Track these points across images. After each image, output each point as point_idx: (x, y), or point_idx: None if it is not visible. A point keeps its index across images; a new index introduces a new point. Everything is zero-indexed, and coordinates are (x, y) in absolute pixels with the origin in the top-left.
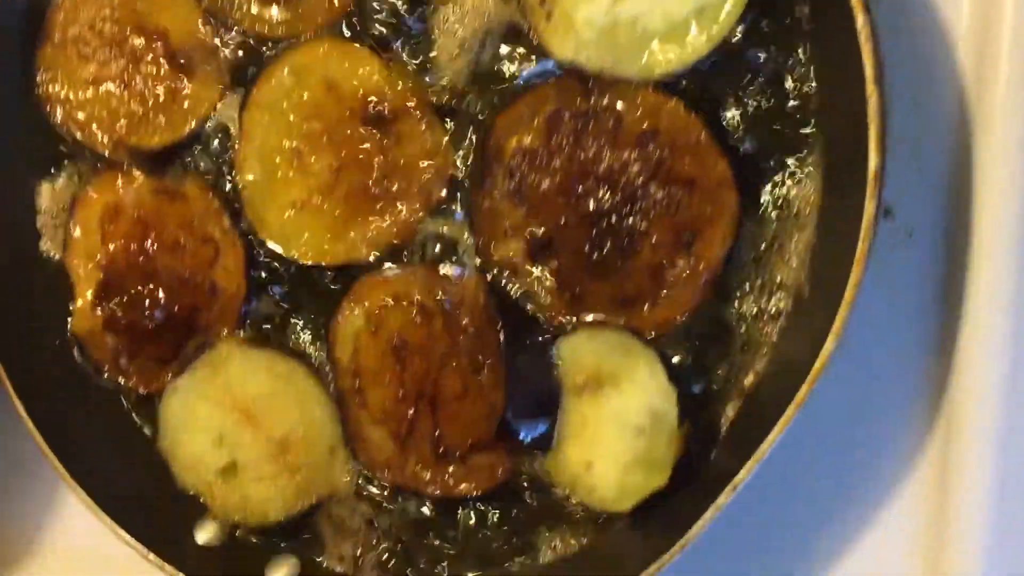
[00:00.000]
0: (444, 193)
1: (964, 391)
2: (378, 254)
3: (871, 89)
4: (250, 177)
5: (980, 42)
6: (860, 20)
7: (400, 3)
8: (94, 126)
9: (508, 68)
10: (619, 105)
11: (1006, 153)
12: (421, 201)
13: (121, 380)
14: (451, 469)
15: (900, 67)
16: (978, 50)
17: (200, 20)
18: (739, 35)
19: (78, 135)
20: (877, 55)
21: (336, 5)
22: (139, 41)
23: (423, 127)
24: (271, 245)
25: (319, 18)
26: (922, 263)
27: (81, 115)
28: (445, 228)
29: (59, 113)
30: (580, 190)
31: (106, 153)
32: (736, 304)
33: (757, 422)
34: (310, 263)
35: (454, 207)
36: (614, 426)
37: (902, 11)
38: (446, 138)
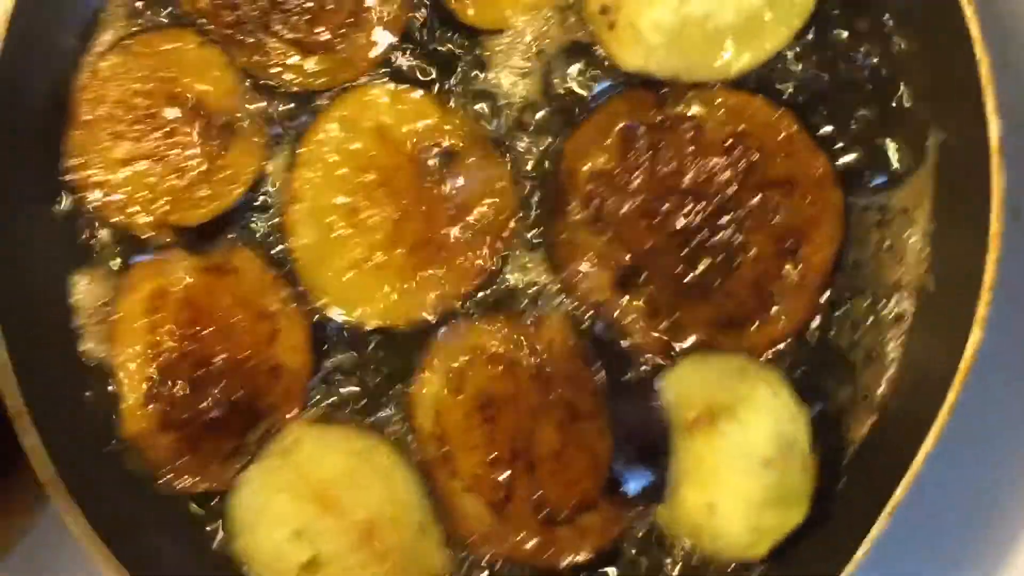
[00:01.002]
0: (515, 232)
1: None
2: (450, 309)
3: (979, 53)
4: (304, 241)
5: None
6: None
7: (447, 36)
8: (133, 208)
9: (574, 89)
10: (697, 111)
11: None
12: (491, 244)
13: (180, 483)
14: (557, 534)
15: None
16: None
17: (235, 80)
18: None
19: (116, 219)
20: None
21: (379, 46)
22: (173, 111)
23: (486, 164)
24: (333, 312)
25: (363, 63)
26: None
27: (118, 198)
28: (520, 269)
29: (93, 199)
30: (665, 208)
31: (148, 235)
32: (851, 312)
33: (900, 437)
34: (378, 326)
35: (529, 248)
36: (738, 461)
37: None
38: (510, 173)
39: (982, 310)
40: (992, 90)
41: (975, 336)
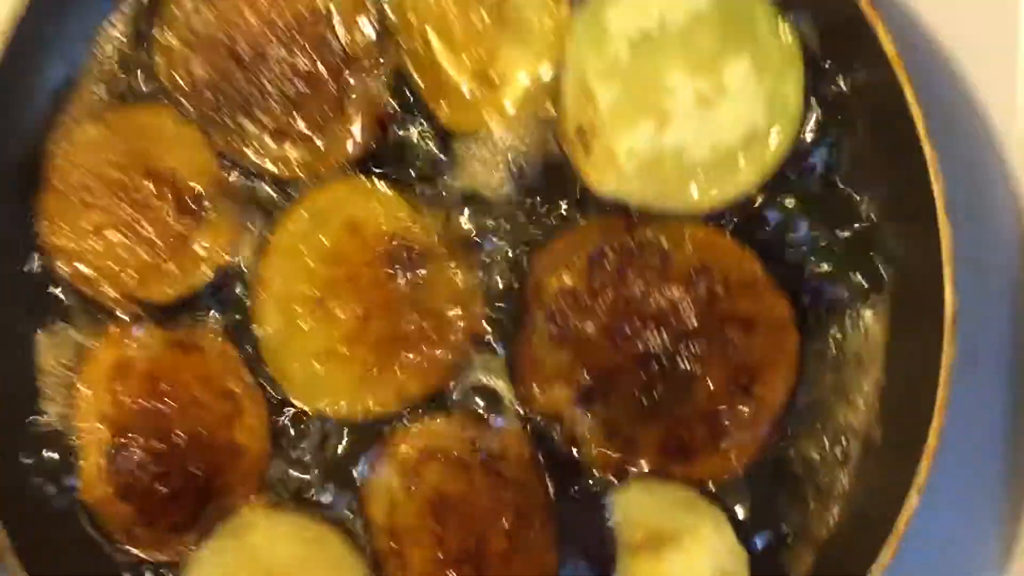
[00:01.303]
0: (480, 337)
1: None
2: (411, 406)
3: (943, 220)
4: (270, 329)
5: None
6: (927, 152)
7: (424, 138)
8: (101, 280)
9: (544, 203)
10: (665, 241)
11: None
12: (454, 348)
13: (135, 551)
14: None
15: (955, 184)
16: None
17: (211, 160)
18: (792, 162)
19: (85, 289)
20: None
21: (356, 142)
22: (146, 185)
23: (453, 268)
24: (294, 400)
25: (338, 156)
26: (989, 389)
27: (87, 268)
28: (482, 375)
29: (63, 266)
30: (628, 332)
31: (116, 308)
32: (800, 449)
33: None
34: (339, 418)
35: (491, 352)
36: None
37: (954, 122)
38: (477, 279)
39: (921, 477)
40: (951, 270)
41: (911, 501)
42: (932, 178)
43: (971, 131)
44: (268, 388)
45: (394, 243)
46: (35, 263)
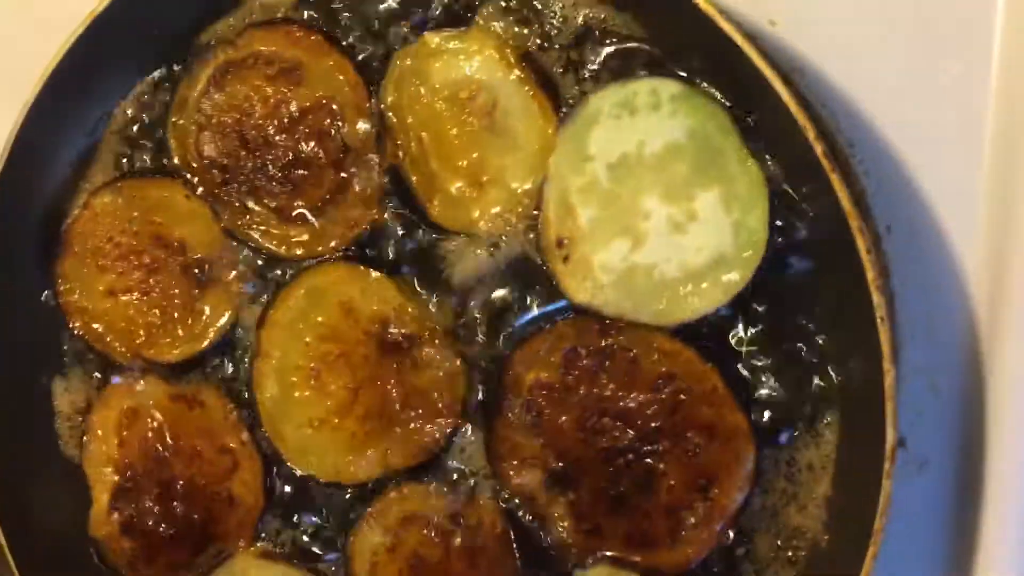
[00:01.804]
0: (460, 420)
1: None
2: (396, 474)
3: (887, 367)
4: (267, 394)
5: (994, 276)
6: (875, 299)
7: (416, 231)
8: (111, 337)
9: (524, 303)
10: (635, 349)
11: (1019, 388)
12: (438, 424)
13: None
14: None
15: (914, 298)
16: (992, 284)
17: (218, 233)
18: (751, 287)
19: (96, 345)
20: (892, 335)
21: (353, 227)
22: (158, 253)
23: (438, 355)
24: (288, 460)
25: (335, 240)
26: (935, 494)
27: (99, 326)
28: (466, 447)
29: (77, 323)
30: (597, 427)
31: (124, 363)
32: (753, 547)
33: None
34: (325, 480)
35: (471, 433)
36: None
37: (916, 240)
38: (461, 366)
39: None
40: (893, 409)
41: None
42: (879, 325)
43: (933, 249)
44: (264, 447)
45: (385, 326)
46: (53, 319)
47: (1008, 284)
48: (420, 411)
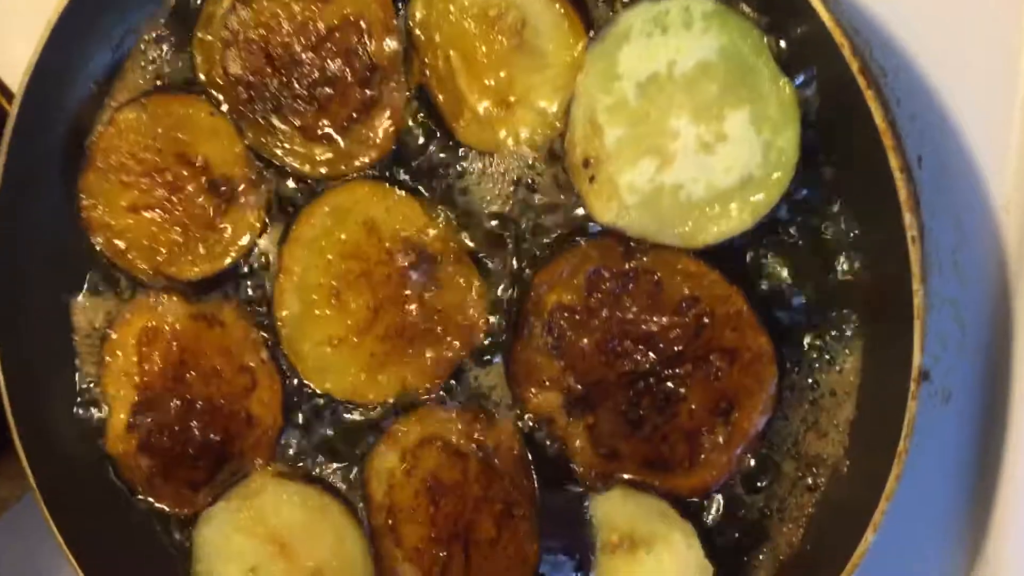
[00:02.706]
0: (482, 340)
1: (1001, 560)
2: (414, 395)
3: (916, 287)
4: (286, 312)
5: (1023, 209)
6: (907, 219)
7: (442, 151)
8: (133, 254)
9: (549, 222)
10: (660, 270)
11: None
12: (458, 346)
13: (154, 502)
14: None
15: (942, 231)
16: (1020, 218)
17: (242, 151)
18: (785, 207)
19: (118, 262)
20: (922, 255)
21: (379, 146)
22: (180, 170)
23: (461, 274)
24: (307, 379)
25: (362, 159)
26: (959, 427)
27: (121, 243)
28: (483, 373)
29: (100, 239)
30: (619, 350)
31: (146, 280)
32: (772, 473)
33: None
34: (344, 399)
35: (492, 353)
36: None
37: (946, 173)
38: (482, 287)
39: (878, 515)
40: (921, 325)
41: (867, 536)
42: (909, 244)
43: (963, 182)
44: (283, 366)
45: (408, 245)
46: (75, 234)
47: None
48: (440, 331)
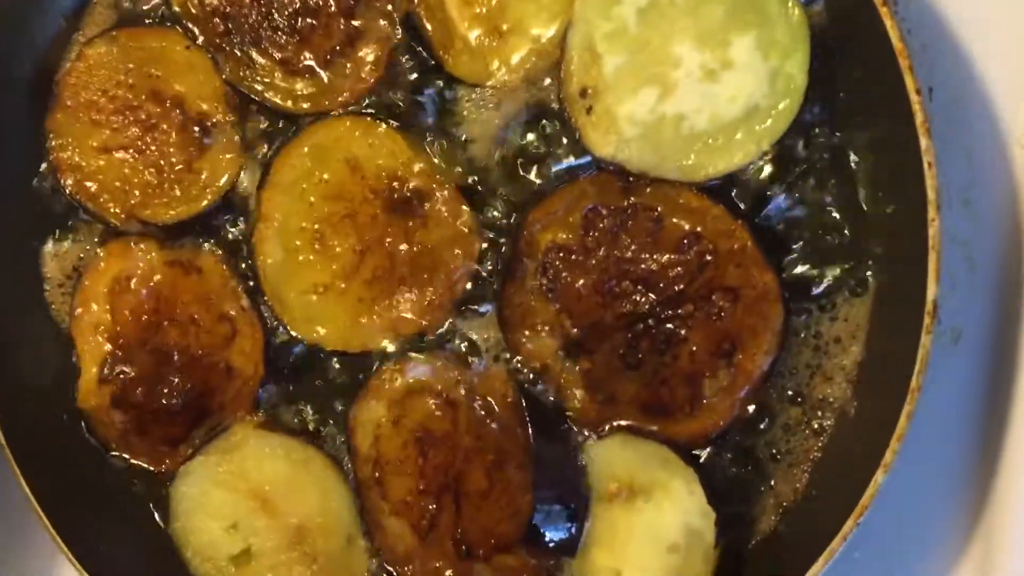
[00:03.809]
0: (472, 282)
1: (1007, 508)
2: (402, 342)
3: (932, 215)
4: (269, 259)
5: None
6: (924, 143)
7: (429, 84)
8: (105, 197)
9: (544, 158)
10: (660, 205)
11: None
12: (448, 289)
13: (129, 459)
14: (473, 569)
15: (952, 166)
16: None
17: (219, 88)
18: (792, 139)
19: (89, 205)
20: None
21: (364, 80)
22: (154, 108)
23: (450, 211)
24: (290, 329)
25: (344, 94)
26: (969, 367)
27: (92, 185)
28: (473, 319)
29: (69, 181)
30: (616, 290)
31: (118, 225)
32: (775, 418)
33: (798, 545)
34: (331, 349)
35: (483, 298)
36: (647, 539)
37: (958, 105)
38: (472, 220)
39: (889, 455)
40: (936, 256)
41: (877, 478)
42: (926, 171)
43: (975, 117)
44: (264, 314)
45: (394, 182)
46: (43, 178)
47: None
48: (431, 272)
